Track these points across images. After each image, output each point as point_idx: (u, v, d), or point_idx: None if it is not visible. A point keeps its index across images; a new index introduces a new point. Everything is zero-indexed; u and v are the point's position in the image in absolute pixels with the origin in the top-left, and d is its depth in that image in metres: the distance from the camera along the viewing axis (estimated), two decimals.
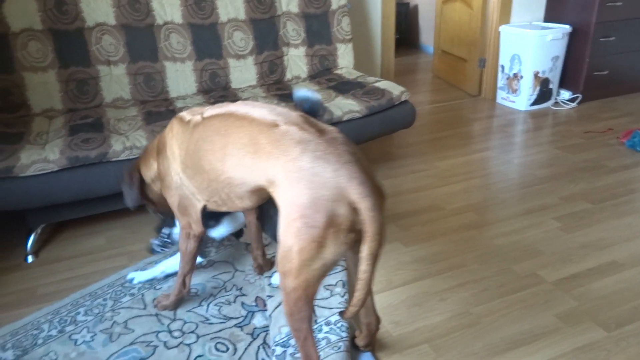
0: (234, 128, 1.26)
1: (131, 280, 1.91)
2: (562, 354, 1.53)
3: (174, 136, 1.47)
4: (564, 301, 1.75)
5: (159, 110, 2.43)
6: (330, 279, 1.85)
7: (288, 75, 2.94)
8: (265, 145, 1.18)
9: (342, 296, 1.76)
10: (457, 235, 2.16)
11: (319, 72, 2.98)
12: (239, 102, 1.34)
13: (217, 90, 2.78)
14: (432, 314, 1.72)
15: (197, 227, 1.55)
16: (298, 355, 1.49)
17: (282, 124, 1.19)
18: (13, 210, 2.01)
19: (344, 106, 2.44)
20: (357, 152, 1.17)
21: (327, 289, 1.81)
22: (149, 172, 1.67)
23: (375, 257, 1.11)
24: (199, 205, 1.48)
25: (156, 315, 1.73)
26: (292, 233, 1.10)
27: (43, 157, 1.96)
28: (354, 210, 1.09)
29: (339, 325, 1.62)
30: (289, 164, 1.12)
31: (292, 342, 1.55)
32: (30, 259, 2.09)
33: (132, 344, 1.61)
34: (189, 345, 1.59)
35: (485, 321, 1.67)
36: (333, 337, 1.57)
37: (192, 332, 1.65)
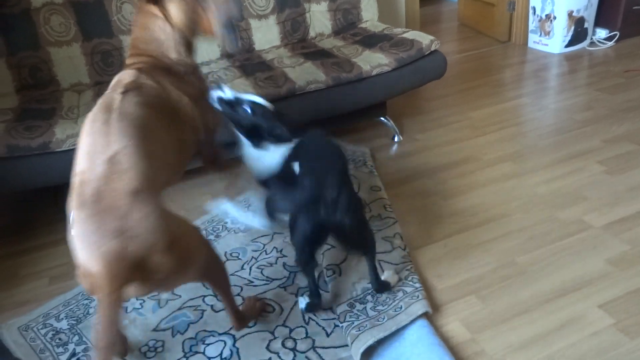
0: None
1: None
2: (614, 298, 1.49)
3: None
4: (614, 245, 1.70)
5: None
6: (388, 231, 1.85)
7: (312, 33, 2.86)
8: None
9: (404, 249, 1.76)
10: (496, 186, 2.11)
11: (343, 27, 2.89)
12: None
13: (240, 52, 2.73)
14: (476, 265, 1.69)
15: None
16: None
17: None
18: (54, 185, 2.05)
19: (373, 60, 2.37)
20: None
21: (387, 241, 1.81)
22: None
23: None
24: None
25: None
26: None
27: (77, 132, 1.96)
28: None
29: (409, 279, 1.62)
30: None
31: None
32: None
33: (180, 308, 1.64)
34: None
35: (532, 270, 1.64)
36: (408, 289, 1.58)
37: (237, 294, 1.67)
